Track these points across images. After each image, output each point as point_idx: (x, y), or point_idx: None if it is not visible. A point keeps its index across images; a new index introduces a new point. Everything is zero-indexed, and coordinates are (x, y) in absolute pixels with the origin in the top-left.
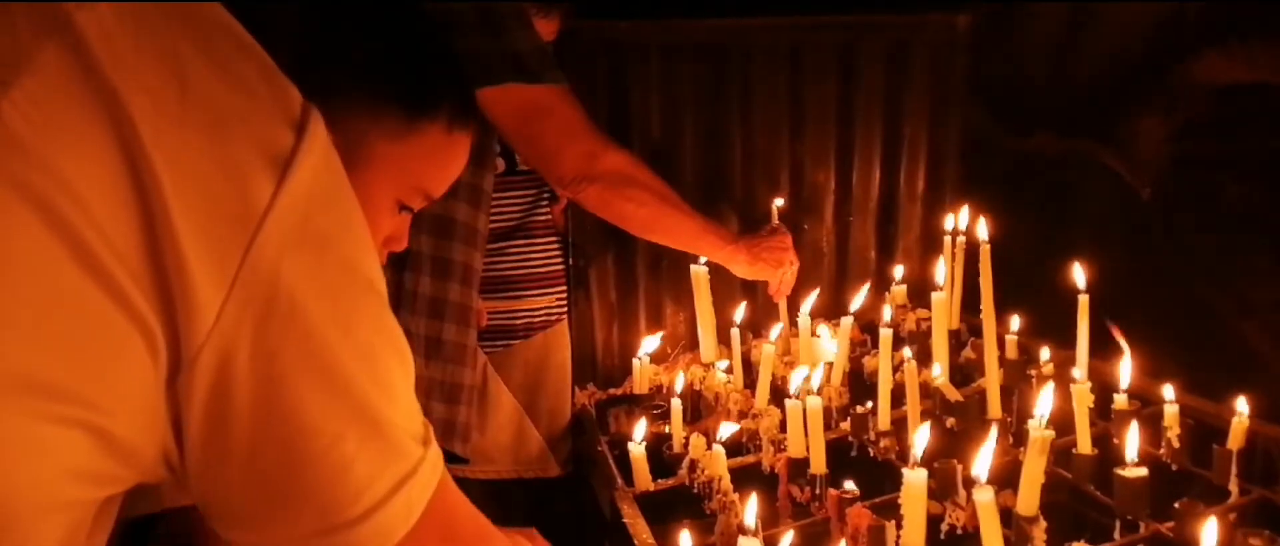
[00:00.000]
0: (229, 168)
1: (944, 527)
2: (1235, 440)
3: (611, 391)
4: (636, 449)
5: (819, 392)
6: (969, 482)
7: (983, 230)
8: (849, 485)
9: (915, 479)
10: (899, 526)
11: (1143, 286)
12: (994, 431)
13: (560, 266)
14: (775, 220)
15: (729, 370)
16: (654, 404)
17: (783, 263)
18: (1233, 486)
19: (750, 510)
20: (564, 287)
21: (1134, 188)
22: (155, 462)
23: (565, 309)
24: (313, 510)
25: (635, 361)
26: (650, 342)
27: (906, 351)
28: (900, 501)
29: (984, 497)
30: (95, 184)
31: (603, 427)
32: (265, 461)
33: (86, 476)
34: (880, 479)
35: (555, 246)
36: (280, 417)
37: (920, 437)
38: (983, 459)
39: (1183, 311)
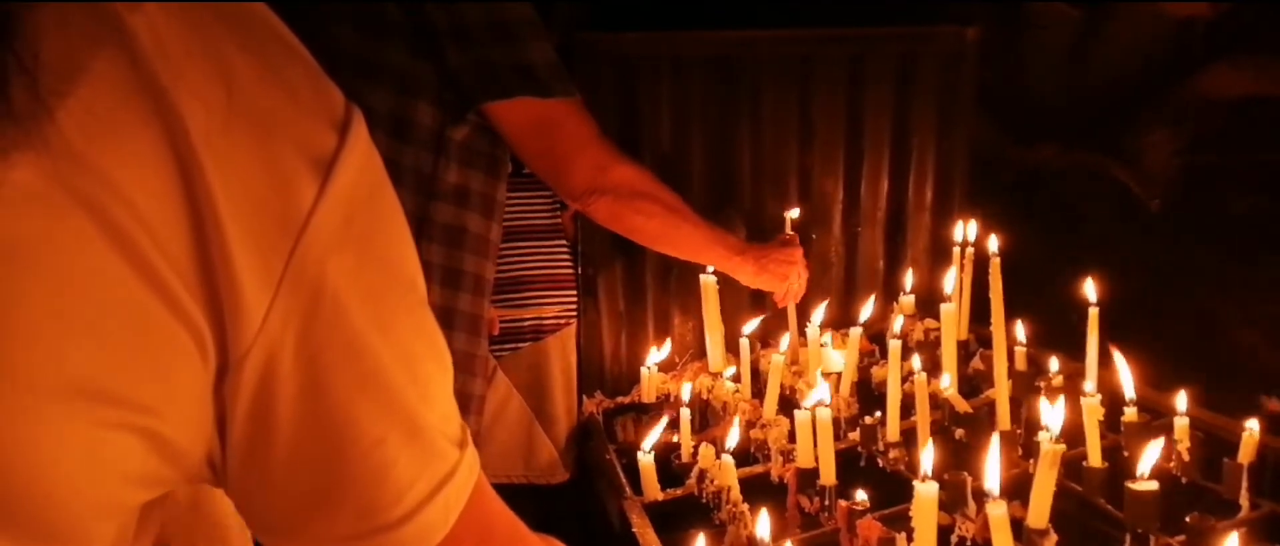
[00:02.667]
0: (274, 170)
1: (954, 539)
2: (1246, 454)
3: (619, 400)
4: (645, 458)
5: (828, 403)
6: (979, 494)
7: (993, 242)
8: (860, 496)
9: (926, 492)
10: (909, 539)
11: (1150, 298)
12: (996, 441)
13: (568, 270)
14: (789, 230)
15: (737, 379)
16: (662, 413)
17: (789, 274)
18: (1243, 500)
19: (763, 524)
20: (573, 291)
21: (1143, 199)
22: (200, 464)
23: (574, 313)
24: (352, 512)
25: (643, 370)
26: (658, 352)
27: (915, 362)
28: (911, 514)
29: (996, 511)
30: (148, 190)
31: (610, 436)
32: (307, 463)
33: (138, 480)
34: (889, 489)
35: (564, 249)
36: (323, 419)
37: (927, 455)
38: (991, 471)
39: (1190, 323)
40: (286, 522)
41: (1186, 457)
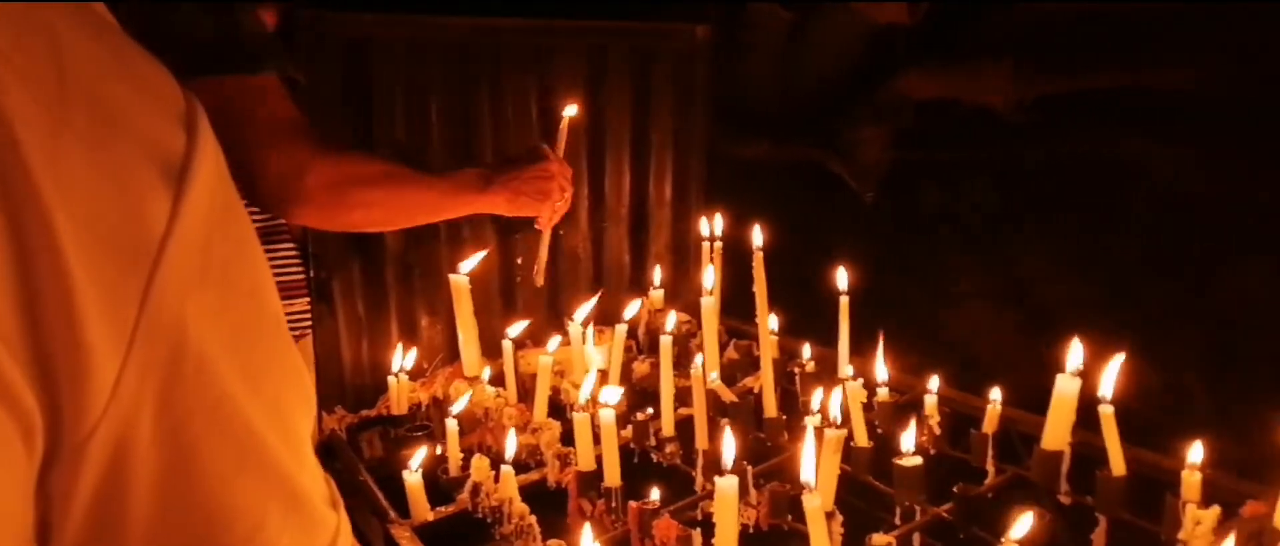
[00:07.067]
0: (120, 180)
1: (737, 527)
2: (990, 425)
3: (364, 413)
4: (413, 477)
5: (597, 402)
6: (758, 482)
7: (757, 237)
8: (654, 495)
9: (727, 486)
10: (708, 534)
11: (868, 287)
12: (810, 435)
13: (299, 275)
14: (563, 130)
15: (495, 382)
16: (417, 425)
17: (549, 193)
18: (989, 467)
19: (586, 538)
20: (304, 298)
21: (858, 193)
22: None
23: (308, 323)
24: None
25: (390, 379)
26: (405, 358)
27: (698, 359)
28: (712, 509)
29: (812, 504)
30: None
31: (358, 453)
32: None
33: None
34: (665, 484)
35: (291, 252)
36: (193, 505)
37: (728, 448)
38: (807, 463)
39: (898, 308)
40: None
41: (937, 431)
